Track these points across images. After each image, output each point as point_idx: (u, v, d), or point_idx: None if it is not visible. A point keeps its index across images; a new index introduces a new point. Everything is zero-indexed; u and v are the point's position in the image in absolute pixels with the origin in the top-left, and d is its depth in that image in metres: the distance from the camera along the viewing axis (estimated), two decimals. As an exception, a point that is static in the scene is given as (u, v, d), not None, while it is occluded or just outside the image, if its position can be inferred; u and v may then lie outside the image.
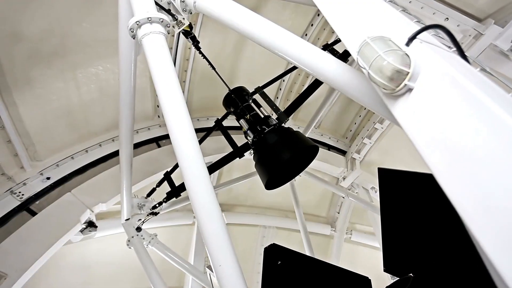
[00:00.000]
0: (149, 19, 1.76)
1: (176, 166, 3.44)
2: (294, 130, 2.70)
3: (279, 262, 2.23)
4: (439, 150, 0.65)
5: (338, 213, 5.87)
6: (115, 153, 4.11)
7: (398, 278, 2.01)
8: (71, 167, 3.73)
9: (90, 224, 3.61)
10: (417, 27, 0.96)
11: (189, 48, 4.23)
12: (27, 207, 3.29)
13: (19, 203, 3.26)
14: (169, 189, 3.38)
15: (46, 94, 3.36)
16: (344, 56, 3.59)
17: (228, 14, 1.76)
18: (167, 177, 3.41)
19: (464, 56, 0.87)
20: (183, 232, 5.13)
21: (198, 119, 4.86)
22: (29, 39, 2.93)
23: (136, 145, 4.32)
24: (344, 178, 5.45)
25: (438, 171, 0.65)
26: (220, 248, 1.44)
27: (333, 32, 4.95)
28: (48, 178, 3.54)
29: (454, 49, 0.93)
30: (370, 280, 2.48)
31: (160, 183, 3.52)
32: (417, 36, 0.89)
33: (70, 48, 3.28)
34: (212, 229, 1.45)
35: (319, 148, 5.94)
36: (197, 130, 4.89)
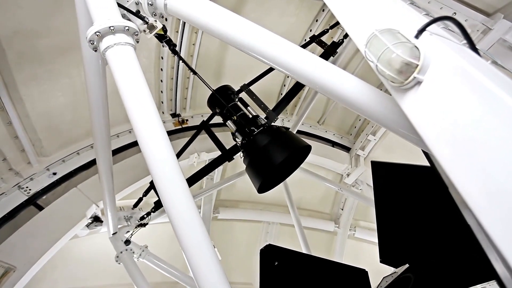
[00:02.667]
0: (112, 28, 1.48)
1: None
2: (285, 129, 2.57)
3: (276, 263, 2.23)
4: (449, 143, 0.65)
5: (342, 209, 5.86)
6: (120, 149, 4.15)
7: (397, 273, 2.03)
8: (77, 162, 3.77)
9: (96, 219, 3.66)
10: (426, 20, 0.95)
11: (193, 44, 4.22)
12: (34, 202, 3.34)
13: (27, 197, 3.31)
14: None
15: (51, 90, 3.39)
16: (332, 48, 3.49)
17: (207, 19, 1.53)
18: (154, 185, 3.29)
19: (475, 49, 0.86)
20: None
21: (202, 115, 4.87)
22: (36, 36, 2.95)
23: (141, 141, 4.35)
24: (348, 175, 5.44)
25: (447, 164, 0.64)
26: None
27: (338, 28, 4.91)
28: (54, 174, 3.58)
29: (465, 41, 0.91)
30: (367, 272, 2.50)
31: (146, 192, 3.35)
32: (427, 28, 0.88)
33: (75, 44, 3.29)
34: (201, 264, 1.24)
35: (323, 145, 5.90)
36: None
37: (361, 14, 1.20)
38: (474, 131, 0.59)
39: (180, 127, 4.69)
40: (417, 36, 0.88)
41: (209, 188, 4.57)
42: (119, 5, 1.69)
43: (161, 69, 4.22)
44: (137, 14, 1.77)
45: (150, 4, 1.76)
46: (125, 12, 1.75)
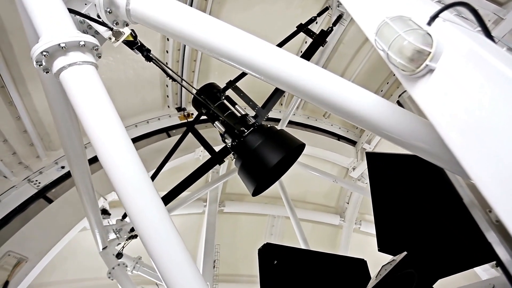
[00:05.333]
0: (62, 45, 1.17)
1: (153, 176, 2.98)
2: (277, 128, 2.43)
3: (275, 262, 2.23)
4: (461, 131, 0.63)
5: (347, 203, 5.86)
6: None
7: (396, 261, 2.05)
8: (85, 156, 3.81)
9: (104, 212, 3.71)
10: (438, 7, 0.92)
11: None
12: (43, 195, 3.41)
13: (36, 191, 3.38)
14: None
15: (58, 84, 3.42)
16: (321, 37, 3.36)
17: (181, 24, 1.28)
18: None
19: (490, 36, 0.83)
20: (193, 220, 5.23)
21: (207, 109, 4.87)
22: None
23: (147, 135, 4.40)
24: (354, 169, 5.42)
25: (459, 151, 0.63)
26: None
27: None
28: (62, 167, 3.63)
29: (479, 28, 0.88)
30: (365, 261, 2.52)
31: None
32: (440, 15, 0.85)
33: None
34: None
35: (329, 138, 5.85)
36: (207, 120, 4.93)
37: (370, 2, 1.17)
38: (490, 118, 0.57)
39: (186, 121, 4.70)
40: (429, 23, 0.85)
41: (214, 181, 4.60)
42: (72, 12, 1.36)
43: (166, 63, 4.21)
44: (97, 20, 1.44)
45: (109, 12, 1.42)
46: (83, 19, 1.44)
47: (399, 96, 2.01)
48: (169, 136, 4.55)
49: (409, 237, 2.04)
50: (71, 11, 1.37)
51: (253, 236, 5.74)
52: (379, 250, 2.16)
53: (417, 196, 1.98)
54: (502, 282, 1.45)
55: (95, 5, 1.44)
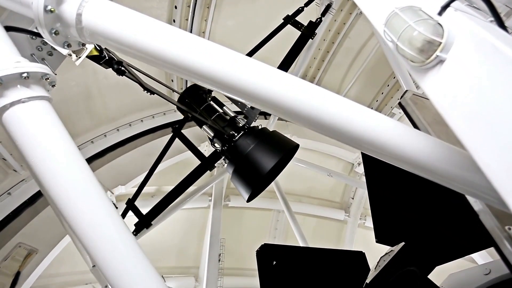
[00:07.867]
0: None
1: (139, 191, 2.82)
2: (269, 130, 2.33)
3: (274, 262, 2.22)
4: (473, 122, 0.62)
5: (352, 198, 5.85)
6: (132, 138, 4.23)
7: (394, 252, 2.06)
8: (91, 151, 3.87)
9: (111, 205, 3.76)
10: (450, -4, 0.90)
11: (203, 32, 4.19)
12: (52, 188, 3.47)
13: (45, 184, 3.44)
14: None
15: (65, 79, 3.45)
16: (310, 29, 3.21)
17: (150, 42, 1.03)
18: (131, 205, 2.77)
19: (503, 25, 0.81)
20: (198, 215, 5.27)
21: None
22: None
23: (152, 130, 4.43)
24: (359, 164, 5.39)
25: (470, 143, 0.62)
26: None
27: (351, 13, 4.75)
28: (70, 161, 3.68)
29: (491, 18, 0.86)
30: (364, 253, 2.55)
31: (124, 213, 2.92)
32: (451, 5, 0.83)
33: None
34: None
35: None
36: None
37: (378, -8, 1.14)
38: (502, 108, 0.56)
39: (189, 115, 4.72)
40: (440, 13, 0.84)
41: (220, 174, 4.62)
42: (13, 30, 1.10)
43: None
44: (53, 32, 1.11)
45: (55, 33, 1.08)
46: (32, 37, 1.20)
47: (401, 97, 1.97)
48: (174, 131, 4.58)
49: (406, 226, 2.05)
50: (11, 29, 1.11)
51: (258, 231, 5.78)
52: (376, 242, 2.17)
53: (412, 186, 1.98)
54: (499, 266, 1.44)
55: (49, 11, 1.07)
